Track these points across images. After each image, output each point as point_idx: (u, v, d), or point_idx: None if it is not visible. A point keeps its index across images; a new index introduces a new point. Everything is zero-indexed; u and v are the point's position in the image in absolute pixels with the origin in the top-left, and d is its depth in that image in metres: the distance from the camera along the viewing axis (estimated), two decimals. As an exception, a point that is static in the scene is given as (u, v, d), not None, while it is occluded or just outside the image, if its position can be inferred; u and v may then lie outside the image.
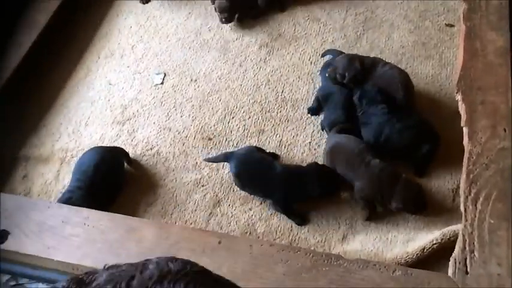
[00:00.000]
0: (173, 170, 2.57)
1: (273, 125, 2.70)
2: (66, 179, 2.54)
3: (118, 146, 2.64)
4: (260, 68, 2.94)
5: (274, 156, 2.55)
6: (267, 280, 1.93)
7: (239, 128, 2.70)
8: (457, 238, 2.03)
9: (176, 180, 2.54)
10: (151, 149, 2.66)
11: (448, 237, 2.12)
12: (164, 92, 2.88)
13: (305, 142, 2.62)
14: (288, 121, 2.71)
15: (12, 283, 2.28)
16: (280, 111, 2.75)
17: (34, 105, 2.85)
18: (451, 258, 1.94)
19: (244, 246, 2.05)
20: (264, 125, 2.70)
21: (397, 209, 2.24)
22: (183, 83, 2.91)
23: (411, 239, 2.23)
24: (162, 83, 2.92)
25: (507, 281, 1.85)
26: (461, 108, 2.37)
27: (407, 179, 2.28)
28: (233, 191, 2.46)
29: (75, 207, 2.22)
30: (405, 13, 3.12)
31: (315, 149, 2.58)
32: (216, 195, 2.46)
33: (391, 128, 2.43)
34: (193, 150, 2.63)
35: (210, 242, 2.06)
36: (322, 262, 1.95)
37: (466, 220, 2.02)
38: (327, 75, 2.65)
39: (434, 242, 2.12)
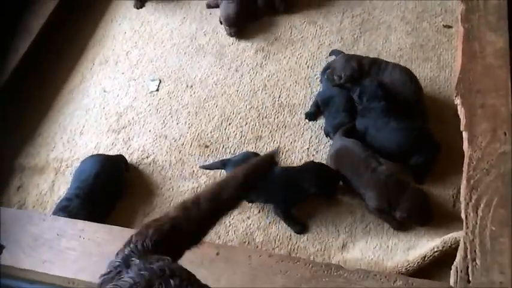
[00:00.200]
0: (170, 179, 2.54)
1: (270, 131, 2.66)
2: (61, 190, 2.51)
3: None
4: (256, 72, 2.91)
5: None
6: (267, 291, 1.90)
7: (236, 134, 2.67)
8: (458, 245, 2.00)
9: (173, 189, 2.50)
10: (147, 157, 2.63)
11: (449, 244, 2.09)
12: (160, 99, 2.84)
13: (303, 148, 2.58)
14: (285, 127, 2.68)
15: (9, 297, 2.26)
16: (278, 117, 2.71)
17: (29, 114, 2.81)
18: (452, 267, 1.91)
19: (242, 257, 2.01)
20: (261, 131, 2.67)
21: (401, 218, 2.21)
22: (178, 89, 2.88)
23: (412, 247, 2.20)
24: (157, 90, 2.89)
25: (510, 289, 1.82)
26: (461, 112, 2.33)
27: (415, 188, 2.25)
28: (231, 199, 2.43)
29: (70, 219, 2.19)
30: (402, 14, 3.08)
31: (313, 155, 2.54)
32: (214, 204, 2.43)
33: (385, 125, 2.41)
34: (190, 158, 2.60)
35: (208, 253, 2.02)
36: (322, 273, 1.92)
37: (467, 227, 1.98)
38: (325, 77, 2.63)
39: (435, 249, 2.09)
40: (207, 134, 2.68)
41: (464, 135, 2.24)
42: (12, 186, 2.55)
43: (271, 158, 1.74)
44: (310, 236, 2.30)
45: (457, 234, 2.09)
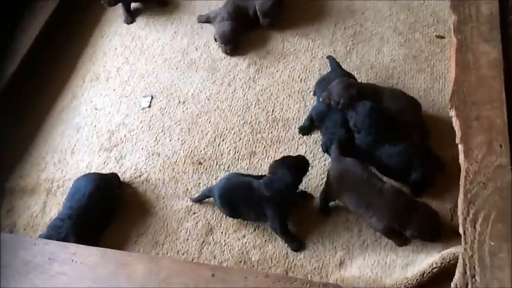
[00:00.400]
0: (163, 198, 2.50)
1: (265, 147, 2.63)
2: (53, 211, 2.47)
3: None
4: (249, 87, 2.88)
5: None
6: (263, 314, 1.86)
7: (230, 150, 2.63)
8: (457, 261, 1.97)
9: (167, 208, 2.47)
10: (140, 176, 2.59)
11: (448, 260, 2.06)
12: (152, 116, 2.81)
13: (298, 163, 2.55)
14: (279, 142, 2.65)
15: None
16: (271, 132, 2.69)
17: (18, 134, 2.78)
18: (452, 284, 1.88)
19: (238, 278, 1.98)
20: (255, 146, 2.64)
21: (412, 236, 2.19)
22: (171, 105, 2.85)
23: (410, 263, 2.17)
24: (149, 106, 2.86)
25: (510, 306, 1.79)
26: (456, 124, 2.30)
27: (424, 205, 2.22)
28: (225, 217, 2.40)
29: (62, 243, 2.16)
30: (395, 25, 3.07)
31: (308, 170, 2.50)
32: (208, 223, 2.39)
33: (381, 147, 2.39)
34: (183, 176, 2.56)
35: (203, 274, 1.98)
36: (320, 293, 1.89)
37: (466, 243, 1.95)
38: (321, 100, 2.56)
39: (434, 266, 2.06)
40: (201, 151, 2.65)
41: (460, 148, 2.22)
42: (2, 209, 2.51)
43: None
44: (307, 254, 2.26)
45: (456, 250, 2.06)
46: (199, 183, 2.53)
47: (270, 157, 2.58)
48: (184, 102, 2.85)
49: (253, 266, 2.25)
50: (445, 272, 2.04)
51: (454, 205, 2.32)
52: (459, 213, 2.05)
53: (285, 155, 2.56)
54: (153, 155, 2.66)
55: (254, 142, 2.65)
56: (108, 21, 3.29)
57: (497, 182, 2.08)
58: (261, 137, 2.67)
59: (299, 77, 2.90)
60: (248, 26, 3.09)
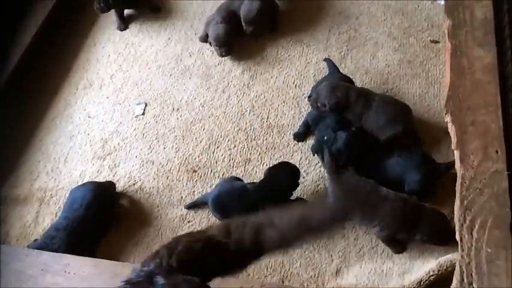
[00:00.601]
0: (158, 206, 2.48)
1: (260, 154, 2.62)
2: (46, 221, 2.45)
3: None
4: (244, 93, 2.86)
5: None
6: (259, 325, 1.84)
7: (224, 158, 2.61)
8: (454, 268, 1.95)
9: (161, 217, 2.44)
10: (134, 184, 2.56)
11: (445, 267, 2.05)
12: (146, 123, 2.79)
13: (293, 170, 2.53)
14: (274, 148, 2.63)
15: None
16: (266, 139, 2.67)
17: (11, 143, 2.74)
18: (449, 292, 1.87)
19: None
20: (250, 153, 2.62)
21: (422, 241, 2.17)
22: (164, 112, 2.82)
23: (407, 271, 2.15)
24: (143, 114, 2.83)
25: (508, 314, 1.78)
26: (451, 130, 2.29)
27: (432, 209, 2.21)
28: (221, 226, 2.37)
29: (55, 253, 2.13)
30: (389, 30, 3.06)
31: (303, 177, 2.49)
32: (203, 231, 2.37)
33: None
34: (177, 184, 2.54)
35: (198, 285, 1.96)
36: (316, 302, 1.87)
37: (463, 250, 1.94)
38: (310, 103, 2.55)
39: (431, 273, 2.05)
40: (195, 158, 2.62)
41: (456, 153, 2.20)
42: (-5, 219, 2.48)
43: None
44: (303, 262, 2.25)
45: (453, 257, 2.05)
46: (194, 191, 2.51)
47: (265, 164, 2.57)
48: (178, 109, 2.83)
49: (249, 274, 2.22)
50: (442, 279, 2.03)
51: (451, 211, 2.30)
52: (455, 219, 2.03)
53: (280, 161, 2.55)
54: (147, 163, 2.63)
55: (249, 149, 2.64)
56: (101, 28, 3.26)
57: (493, 188, 2.07)
58: (255, 144, 2.65)
59: (294, 83, 2.88)
60: (242, 29, 3.07)
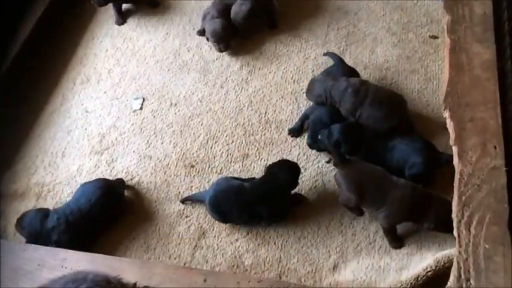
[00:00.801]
0: (155, 201, 2.47)
1: (258, 149, 2.61)
2: (43, 216, 2.43)
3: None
4: (242, 88, 2.85)
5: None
6: (256, 320, 1.84)
7: (222, 153, 2.61)
8: (451, 264, 1.94)
9: (158, 212, 2.44)
10: (131, 179, 2.56)
11: (443, 263, 2.04)
12: (143, 118, 2.78)
13: (291, 166, 2.53)
14: (272, 144, 2.62)
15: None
16: (264, 134, 2.66)
17: (8, 138, 2.73)
18: (446, 288, 1.87)
19: (231, 283, 1.95)
20: (248, 149, 2.61)
21: (429, 229, 2.18)
22: (162, 107, 2.81)
23: (404, 267, 2.15)
24: (141, 109, 2.82)
25: (506, 310, 1.78)
26: (450, 126, 2.28)
27: (439, 197, 2.20)
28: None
29: (52, 248, 2.14)
30: (388, 26, 3.05)
31: (301, 173, 2.47)
32: (201, 227, 2.37)
33: None
34: (175, 179, 2.53)
35: (195, 280, 1.96)
36: (313, 298, 1.87)
37: (460, 246, 1.93)
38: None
39: (428, 269, 2.04)
40: (193, 154, 2.62)
41: (454, 149, 2.20)
42: (-8, 214, 2.47)
43: None
44: (301, 258, 2.24)
45: (450, 252, 2.04)
46: (192, 187, 2.50)
47: (263, 159, 2.56)
48: (176, 104, 2.82)
49: (246, 270, 2.23)
50: (440, 275, 2.02)
51: (448, 206, 2.30)
52: (453, 215, 2.03)
53: (278, 157, 2.55)
54: (144, 158, 2.62)
55: (247, 144, 2.63)
56: (99, 23, 3.25)
57: (491, 184, 2.06)
58: (253, 139, 2.64)
59: (292, 78, 2.87)
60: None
